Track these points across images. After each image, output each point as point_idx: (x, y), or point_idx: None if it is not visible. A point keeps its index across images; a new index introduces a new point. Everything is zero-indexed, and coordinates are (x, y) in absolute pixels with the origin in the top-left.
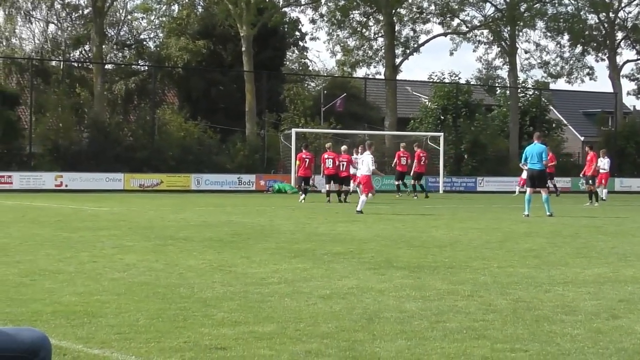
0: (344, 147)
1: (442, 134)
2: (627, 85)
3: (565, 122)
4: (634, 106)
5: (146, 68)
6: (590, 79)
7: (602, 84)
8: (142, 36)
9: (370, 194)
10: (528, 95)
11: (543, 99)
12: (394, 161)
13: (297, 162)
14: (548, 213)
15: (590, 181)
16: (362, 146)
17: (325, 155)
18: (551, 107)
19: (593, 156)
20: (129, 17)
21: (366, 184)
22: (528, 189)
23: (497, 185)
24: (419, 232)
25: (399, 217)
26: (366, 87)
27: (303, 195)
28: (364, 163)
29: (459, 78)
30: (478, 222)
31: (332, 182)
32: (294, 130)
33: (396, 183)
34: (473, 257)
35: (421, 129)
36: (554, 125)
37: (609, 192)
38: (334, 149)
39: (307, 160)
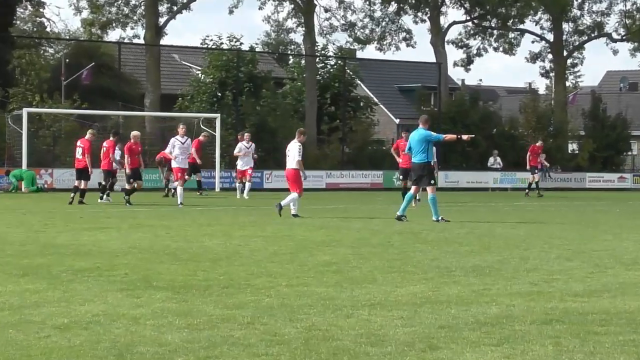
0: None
1: (219, 115)
2: (453, 54)
3: (376, 100)
4: (463, 80)
5: None
6: (408, 45)
7: (422, 52)
8: None
9: (298, 194)
10: (329, 66)
11: (348, 71)
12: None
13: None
14: (435, 218)
15: (536, 170)
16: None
17: (78, 143)
18: (358, 81)
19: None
20: None
21: (295, 181)
22: (413, 187)
23: (284, 184)
24: (188, 241)
25: (163, 222)
26: (121, 55)
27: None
28: (291, 154)
29: (241, 44)
30: (264, 228)
31: (80, 178)
32: (25, 110)
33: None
34: (256, 273)
35: (192, 109)
36: (361, 104)
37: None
38: (81, 133)
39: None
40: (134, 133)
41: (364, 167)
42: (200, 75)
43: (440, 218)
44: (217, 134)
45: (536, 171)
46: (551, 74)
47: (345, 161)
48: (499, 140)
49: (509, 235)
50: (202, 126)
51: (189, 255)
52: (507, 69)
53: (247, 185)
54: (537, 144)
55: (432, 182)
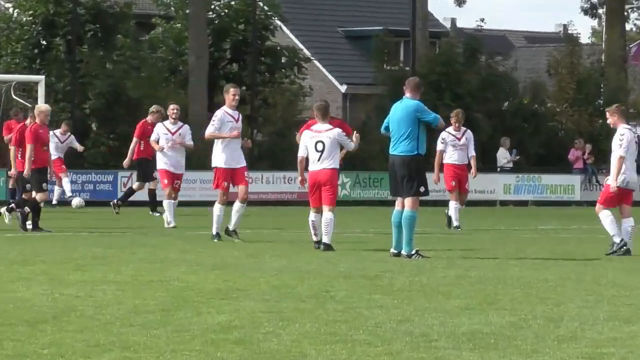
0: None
1: (44, 77)
2: None
3: (308, 53)
4: (453, 21)
5: None
6: None
7: None
8: None
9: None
10: None
11: (261, 4)
12: None
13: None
14: (406, 251)
15: None
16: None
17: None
18: (278, 22)
19: None
20: None
21: (334, 188)
22: (398, 201)
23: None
24: None
25: None
26: None
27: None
28: (321, 140)
29: None
30: (118, 267)
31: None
32: None
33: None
34: (103, 343)
35: (0, 68)
36: (284, 59)
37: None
38: None
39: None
40: (42, 107)
41: (286, 165)
42: (11, 11)
43: (414, 252)
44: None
45: None
46: (600, 11)
47: (255, 156)
48: (513, 120)
49: (530, 281)
50: (13, 95)
51: None
52: (526, 2)
53: (170, 204)
54: None
55: (422, 189)
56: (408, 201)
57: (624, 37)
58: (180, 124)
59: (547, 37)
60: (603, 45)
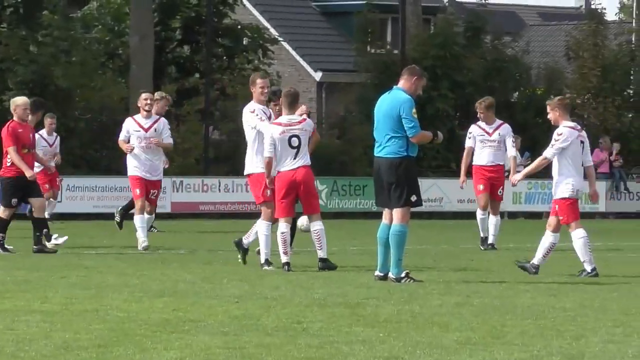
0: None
1: None
2: None
3: (275, 33)
4: None
5: None
6: None
7: None
8: None
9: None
10: None
11: None
12: None
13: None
14: (394, 273)
15: None
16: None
17: None
18: None
19: None
20: None
21: (313, 190)
22: (385, 213)
23: (87, 204)
24: None
25: None
26: None
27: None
28: (304, 139)
29: None
30: (45, 293)
31: None
32: None
33: None
34: None
35: None
36: (246, 41)
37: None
38: None
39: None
40: (18, 101)
41: None
42: None
43: (404, 274)
44: None
45: None
46: None
47: (211, 159)
48: (524, 114)
49: (544, 309)
50: None
51: None
52: None
53: (147, 218)
54: None
55: (413, 198)
56: (397, 213)
57: None
58: (154, 117)
59: (566, 14)
60: (633, 23)
